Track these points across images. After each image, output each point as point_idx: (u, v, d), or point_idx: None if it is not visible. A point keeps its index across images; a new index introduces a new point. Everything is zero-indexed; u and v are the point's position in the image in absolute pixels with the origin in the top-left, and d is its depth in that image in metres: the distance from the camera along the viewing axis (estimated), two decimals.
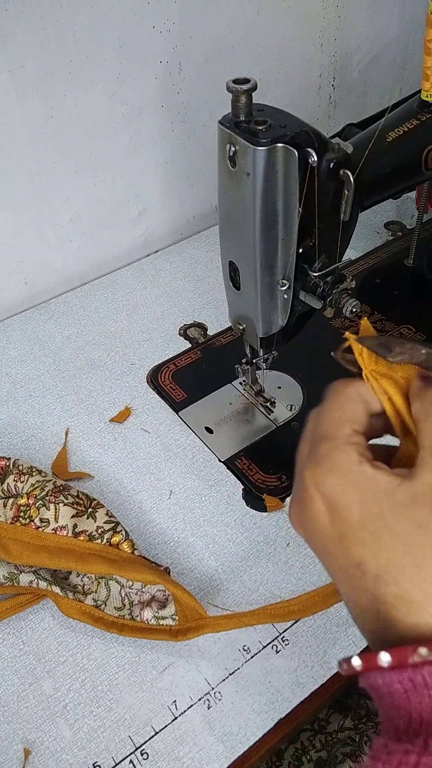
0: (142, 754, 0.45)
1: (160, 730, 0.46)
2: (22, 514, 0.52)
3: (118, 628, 0.50)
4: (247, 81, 0.45)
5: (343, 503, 0.28)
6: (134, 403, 0.69)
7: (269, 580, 0.54)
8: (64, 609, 0.50)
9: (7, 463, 0.57)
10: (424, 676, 0.24)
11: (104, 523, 0.53)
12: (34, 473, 0.56)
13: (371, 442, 0.32)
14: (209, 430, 0.65)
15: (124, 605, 0.50)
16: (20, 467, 0.56)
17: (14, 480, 0.55)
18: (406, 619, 0.25)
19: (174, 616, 0.49)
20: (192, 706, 0.47)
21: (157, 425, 0.66)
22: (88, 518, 0.53)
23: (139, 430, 0.66)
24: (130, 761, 0.45)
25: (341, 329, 0.74)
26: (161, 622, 0.49)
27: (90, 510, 0.53)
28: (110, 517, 0.53)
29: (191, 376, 0.71)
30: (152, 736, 0.46)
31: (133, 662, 0.50)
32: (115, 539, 0.52)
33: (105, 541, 0.52)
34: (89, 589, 0.51)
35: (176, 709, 0.47)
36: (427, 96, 0.56)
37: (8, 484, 0.55)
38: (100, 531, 0.52)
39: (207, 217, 0.95)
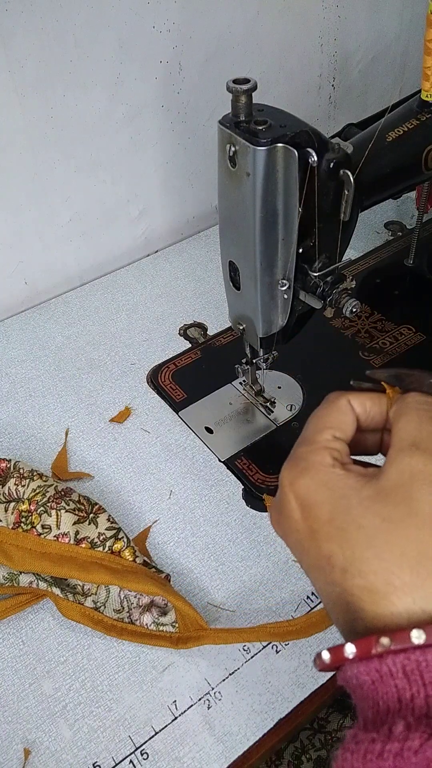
0: (142, 754, 0.45)
1: (160, 730, 0.46)
2: (23, 520, 0.53)
3: (117, 631, 0.50)
4: (247, 81, 0.45)
5: (314, 501, 0.29)
6: (134, 403, 0.69)
7: (269, 580, 0.54)
8: (63, 611, 0.50)
9: (8, 465, 0.57)
10: (389, 666, 0.24)
11: (106, 529, 0.53)
12: (35, 477, 0.56)
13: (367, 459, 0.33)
14: (209, 430, 0.65)
15: (123, 608, 0.50)
16: (21, 470, 0.56)
17: (15, 484, 0.55)
18: (372, 610, 0.26)
19: (174, 624, 0.49)
20: (192, 706, 0.47)
21: (157, 425, 0.66)
22: (89, 524, 0.53)
23: (139, 430, 0.66)
24: (130, 761, 0.45)
25: (341, 329, 0.74)
26: (161, 628, 0.49)
27: (92, 515, 0.54)
28: (112, 522, 0.53)
29: (191, 376, 0.71)
30: (152, 736, 0.46)
31: (133, 662, 0.50)
32: (117, 546, 0.52)
33: (107, 548, 0.52)
34: (89, 590, 0.51)
35: (176, 709, 0.47)
36: (427, 96, 0.56)
37: (9, 487, 0.55)
38: (102, 538, 0.52)
39: (207, 217, 0.95)
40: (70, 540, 0.52)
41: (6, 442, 0.66)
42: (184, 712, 0.47)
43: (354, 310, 0.52)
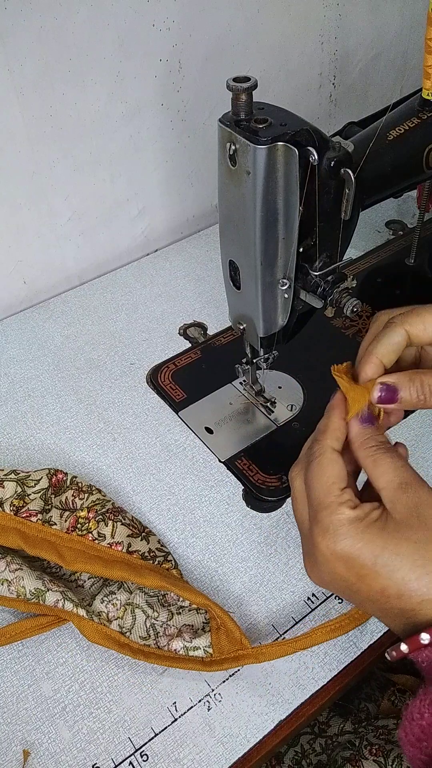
0: (141, 756, 0.45)
1: (160, 732, 0.46)
2: (80, 525, 0.53)
3: (144, 655, 0.48)
4: (247, 79, 0.44)
5: (353, 554, 0.36)
6: (134, 403, 0.69)
7: (270, 581, 0.54)
8: (87, 633, 0.48)
9: (64, 478, 0.57)
10: None
11: (156, 549, 0.53)
12: (94, 492, 0.56)
13: None
14: (209, 431, 0.65)
15: (149, 635, 0.49)
16: (79, 485, 0.57)
17: (73, 496, 0.56)
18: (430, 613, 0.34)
19: (208, 648, 0.47)
20: (192, 707, 0.47)
21: (157, 425, 0.66)
22: (141, 540, 0.54)
23: (138, 430, 0.66)
24: (130, 763, 0.45)
25: (342, 329, 0.74)
26: (191, 653, 0.47)
27: (143, 534, 0.54)
28: (162, 545, 0.54)
29: (191, 376, 0.71)
30: (152, 738, 0.46)
31: (132, 663, 0.49)
32: (165, 566, 0.53)
33: (156, 563, 0.52)
34: (114, 616, 0.49)
35: (176, 710, 0.47)
36: (428, 94, 0.56)
37: (67, 497, 0.56)
38: (151, 554, 0.53)
39: (207, 216, 0.94)
40: (123, 549, 0.52)
41: (5, 443, 0.65)
42: (185, 713, 0.47)
43: (355, 309, 0.52)
